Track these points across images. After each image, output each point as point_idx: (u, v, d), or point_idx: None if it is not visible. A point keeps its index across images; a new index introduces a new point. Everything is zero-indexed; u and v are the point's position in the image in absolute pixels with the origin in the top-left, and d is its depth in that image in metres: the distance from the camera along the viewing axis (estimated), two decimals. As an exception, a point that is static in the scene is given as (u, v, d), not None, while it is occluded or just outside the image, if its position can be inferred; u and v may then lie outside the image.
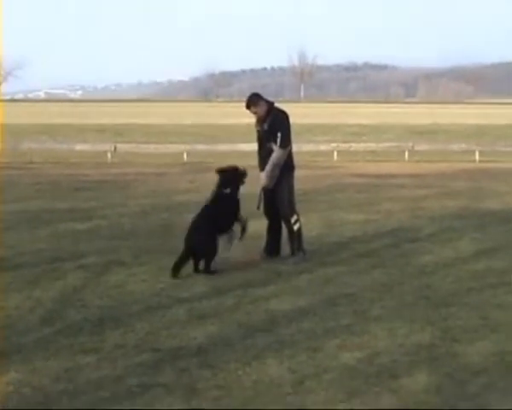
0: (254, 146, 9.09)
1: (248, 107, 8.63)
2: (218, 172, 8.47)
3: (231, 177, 8.42)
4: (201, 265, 8.11)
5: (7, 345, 5.67)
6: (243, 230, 8.41)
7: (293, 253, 8.72)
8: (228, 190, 8.35)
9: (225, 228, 8.30)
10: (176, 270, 7.93)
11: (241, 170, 8.50)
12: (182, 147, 26.81)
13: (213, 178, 8.46)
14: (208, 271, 8.05)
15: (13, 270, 8.11)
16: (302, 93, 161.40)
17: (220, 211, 8.22)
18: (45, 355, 5.46)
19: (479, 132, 42.02)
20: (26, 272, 8.04)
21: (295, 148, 9.25)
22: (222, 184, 8.36)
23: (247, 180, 8.43)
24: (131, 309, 6.69)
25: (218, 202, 8.34)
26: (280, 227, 8.83)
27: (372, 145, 28.72)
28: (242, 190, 8.48)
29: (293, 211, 8.66)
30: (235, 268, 8.23)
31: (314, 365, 5.29)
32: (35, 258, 8.77)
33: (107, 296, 7.12)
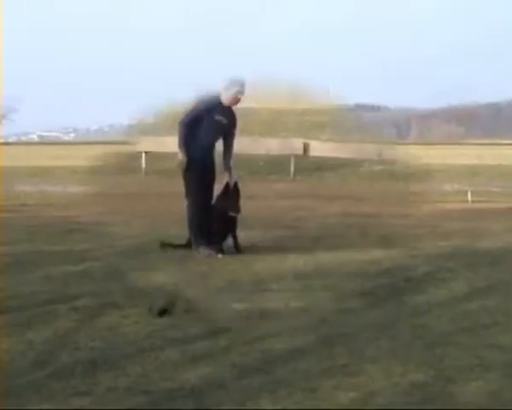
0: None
1: None
2: None
3: None
4: None
5: (-2, 389, 5.61)
6: None
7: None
8: None
9: None
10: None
11: None
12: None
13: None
14: None
15: (3, 314, 8.03)
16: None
17: None
18: (38, 399, 5.40)
19: (471, 173, 42.16)
20: (17, 315, 7.96)
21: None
22: None
23: None
24: (124, 351, 6.64)
25: None
26: None
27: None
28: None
29: None
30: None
31: (309, 405, 5.25)
32: (27, 301, 8.67)
33: (99, 338, 7.07)
